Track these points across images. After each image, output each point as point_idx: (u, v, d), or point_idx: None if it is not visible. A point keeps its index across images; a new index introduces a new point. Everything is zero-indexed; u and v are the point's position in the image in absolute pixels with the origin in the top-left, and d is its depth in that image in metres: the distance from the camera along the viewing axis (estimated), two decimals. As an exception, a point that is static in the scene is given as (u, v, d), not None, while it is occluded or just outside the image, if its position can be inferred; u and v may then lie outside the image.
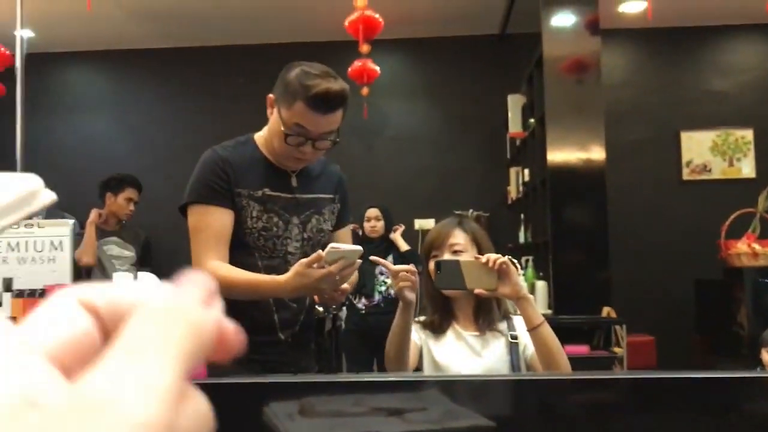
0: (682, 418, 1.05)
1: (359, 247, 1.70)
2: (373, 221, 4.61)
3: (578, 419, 1.09)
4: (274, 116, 1.82)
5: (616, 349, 3.95)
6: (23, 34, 5.61)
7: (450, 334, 1.81)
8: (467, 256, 1.75)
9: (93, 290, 0.28)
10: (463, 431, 1.10)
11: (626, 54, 6.05)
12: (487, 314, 1.79)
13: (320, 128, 1.76)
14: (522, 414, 1.13)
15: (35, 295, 1.09)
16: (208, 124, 6.21)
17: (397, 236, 4.68)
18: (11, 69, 5.27)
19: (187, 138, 6.30)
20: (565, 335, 3.77)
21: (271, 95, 1.84)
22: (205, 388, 0.80)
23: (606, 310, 3.97)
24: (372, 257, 1.79)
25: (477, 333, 1.79)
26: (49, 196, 0.34)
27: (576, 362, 3.72)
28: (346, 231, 2.06)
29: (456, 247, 1.78)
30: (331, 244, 1.67)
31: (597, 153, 4.15)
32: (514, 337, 1.76)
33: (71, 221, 1.11)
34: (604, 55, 4.42)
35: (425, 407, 1.17)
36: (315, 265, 1.63)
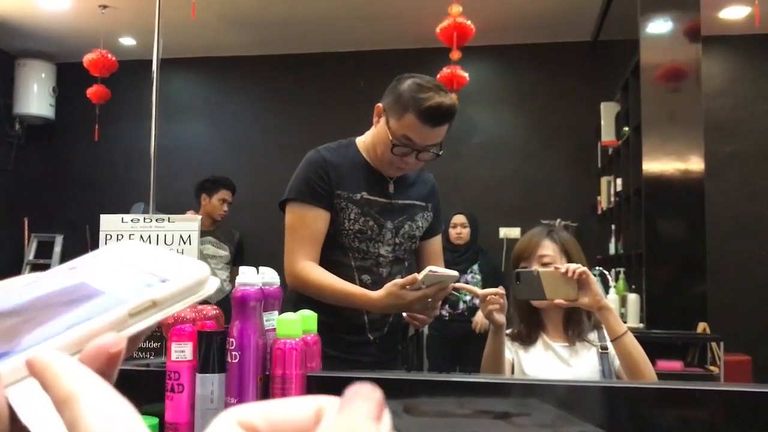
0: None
1: (456, 273, 1.71)
2: (459, 228, 4.58)
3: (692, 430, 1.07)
4: (381, 125, 1.85)
5: (712, 368, 3.80)
6: (128, 41, 5.87)
7: (539, 344, 1.79)
8: (539, 268, 1.73)
9: (253, 411, 0.28)
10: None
11: (727, 61, 5.82)
12: (576, 325, 1.77)
13: (427, 141, 1.80)
14: (632, 422, 1.11)
15: (164, 285, 1.14)
16: (298, 129, 6.36)
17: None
18: (116, 74, 5.58)
19: (277, 142, 6.47)
20: (658, 350, 3.70)
21: (379, 104, 1.87)
22: (321, 380, 0.83)
23: (701, 326, 3.83)
24: (457, 284, 1.79)
25: (566, 343, 1.77)
26: (214, 285, 0.36)
27: (669, 379, 3.62)
28: (436, 239, 2.08)
29: (545, 259, 1.76)
30: (429, 268, 1.68)
31: (695, 163, 4.01)
32: (605, 348, 1.73)
33: (199, 217, 1.16)
34: (704, 63, 4.28)
35: (529, 413, 1.17)
36: (408, 287, 1.66)
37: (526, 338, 1.80)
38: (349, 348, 1.86)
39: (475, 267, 4.57)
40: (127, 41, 6.20)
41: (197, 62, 6.74)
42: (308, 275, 1.82)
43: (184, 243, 1.16)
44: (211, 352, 1.04)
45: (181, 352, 1.04)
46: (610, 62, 5.57)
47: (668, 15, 4.19)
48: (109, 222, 1.18)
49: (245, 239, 5.98)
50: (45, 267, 6.40)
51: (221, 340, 1.04)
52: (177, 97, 6.86)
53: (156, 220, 1.16)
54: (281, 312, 1.16)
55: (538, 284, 1.62)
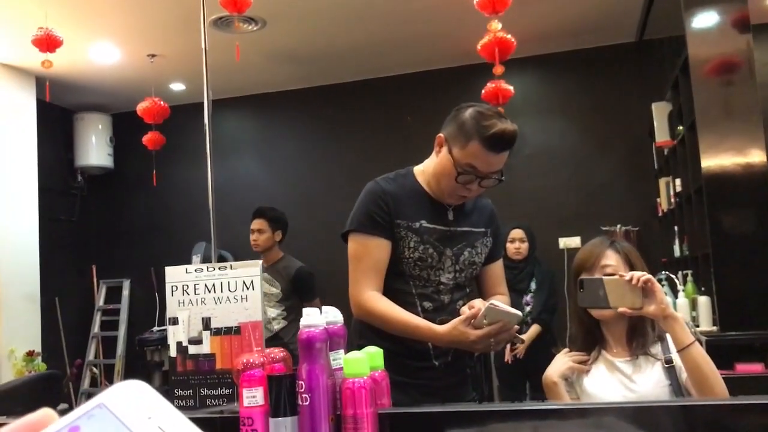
0: None
1: (519, 313, 1.72)
2: (518, 242, 4.54)
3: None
4: (443, 155, 1.87)
5: (795, 367, 3.64)
6: (179, 87, 6.06)
7: (600, 361, 1.74)
8: (603, 276, 1.69)
9: None
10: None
11: (780, 49, 5.64)
12: (641, 336, 1.71)
13: (491, 167, 1.82)
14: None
15: (231, 332, 1.17)
16: (349, 159, 6.41)
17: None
18: (169, 119, 5.75)
19: (328, 173, 6.53)
20: (736, 353, 3.57)
21: (441, 134, 1.89)
22: (392, 417, 0.83)
23: (780, 325, 3.68)
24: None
25: (629, 358, 1.70)
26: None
27: (750, 382, 3.51)
28: (497, 264, 2.08)
29: (608, 269, 1.72)
30: (492, 301, 1.70)
31: (757, 156, 3.89)
32: (669, 361, 1.66)
33: (260, 262, 1.18)
34: (757, 52, 4.15)
35: (608, 434, 1.14)
36: (472, 323, 1.69)
37: (586, 353, 1.75)
38: (414, 373, 1.87)
39: (533, 285, 4.51)
40: (177, 87, 6.39)
41: (244, 100, 6.88)
42: (374, 306, 1.84)
43: (247, 288, 1.18)
44: (282, 395, 1.05)
45: (253, 397, 1.06)
46: (658, 61, 5.47)
47: (714, 7, 4.09)
48: (173, 274, 1.21)
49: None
50: (115, 311, 6.57)
51: (290, 383, 1.05)
52: (227, 135, 7.02)
53: (219, 269, 1.18)
54: (348, 344, 1.17)
55: (602, 292, 1.59)
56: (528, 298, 4.45)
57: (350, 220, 1.92)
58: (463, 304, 1.92)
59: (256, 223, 4.18)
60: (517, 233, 4.56)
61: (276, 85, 6.64)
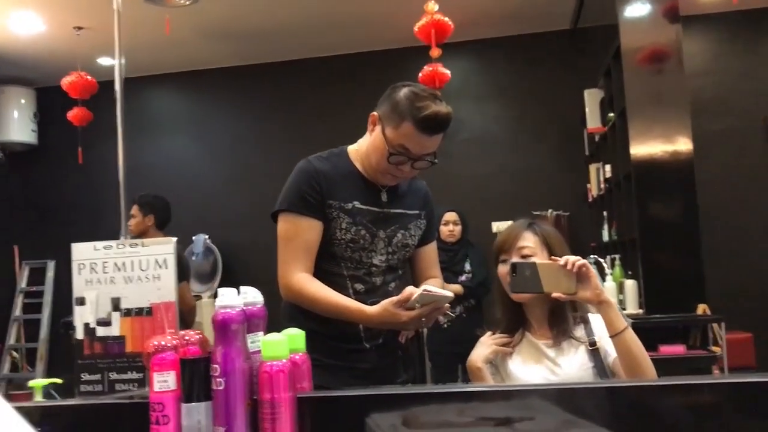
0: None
1: (450, 294, 1.70)
2: (452, 225, 4.57)
3: (701, 427, 1.03)
4: (376, 134, 1.82)
5: (715, 348, 3.77)
6: (107, 61, 5.84)
7: (524, 343, 1.73)
8: (537, 260, 1.69)
9: None
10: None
11: (708, 40, 5.80)
12: (562, 321, 1.70)
13: (423, 149, 1.79)
14: (638, 421, 1.07)
15: (142, 313, 1.11)
16: (284, 138, 6.32)
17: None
18: (96, 95, 5.52)
19: (263, 152, 6.43)
20: (660, 335, 3.67)
21: (374, 113, 1.84)
22: (312, 401, 0.78)
23: (701, 308, 3.80)
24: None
25: (552, 341, 1.70)
26: None
27: (673, 363, 3.62)
28: (431, 246, 2.05)
29: (525, 251, 1.71)
30: (424, 287, 1.68)
31: (684, 144, 3.99)
32: (593, 343, 1.67)
33: (173, 239, 1.12)
34: (685, 43, 4.26)
35: (533, 416, 1.13)
36: (403, 306, 1.66)
37: (510, 336, 1.75)
38: (345, 356, 1.84)
39: (467, 266, 4.56)
40: (105, 61, 6.14)
41: (176, 77, 6.69)
42: (303, 288, 1.79)
43: (160, 267, 1.11)
44: (195, 380, 1.00)
45: (164, 381, 1.00)
46: (591, 49, 5.55)
47: (646, -3, 4.17)
48: (80, 251, 1.14)
49: (231, 253, 5.95)
50: (38, 294, 6.32)
51: (205, 366, 1.00)
52: (158, 113, 6.82)
53: (129, 246, 1.11)
54: (280, 327, 1.12)
55: (535, 277, 1.56)
56: (463, 278, 4.49)
57: (280, 200, 1.86)
58: (396, 286, 1.89)
59: (132, 210, 4.17)
60: (450, 216, 4.59)
61: (209, 62, 6.47)
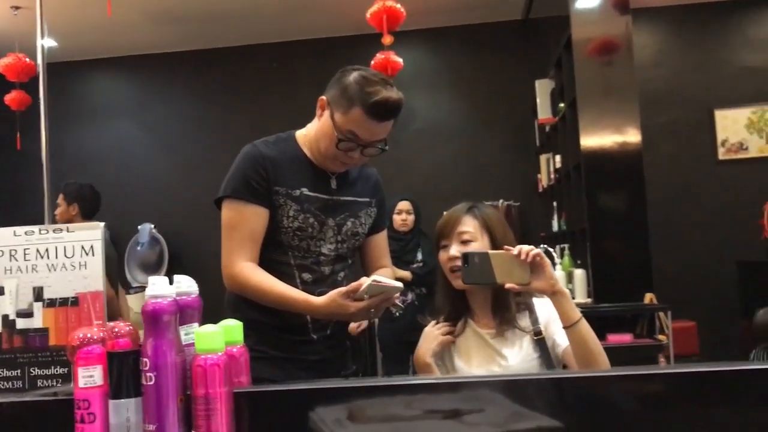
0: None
1: (400, 285, 1.65)
2: (405, 214, 4.55)
3: (650, 416, 1.01)
4: (325, 119, 1.76)
5: (661, 337, 3.83)
6: (45, 43, 5.60)
7: (468, 333, 1.70)
8: (477, 245, 1.64)
9: None
10: (530, 434, 1.02)
11: (657, 33, 5.88)
12: (505, 310, 1.67)
13: (373, 136, 1.73)
14: (588, 412, 1.05)
15: (67, 303, 1.03)
16: (232, 124, 6.19)
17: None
18: (36, 78, 5.31)
19: (210, 138, 6.30)
20: (608, 324, 3.71)
21: (323, 97, 1.78)
22: (249, 397, 0.72)
23: (648, 297, 3.86)
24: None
25: (495, 330, 1.67)
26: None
27: (620, 352, 3.66)
28: (381, 235, 2.00)
29: (465, 236, 1.67)
30: (374, 277, 1.62)
31: (632, 135, 4.04)
32: (538, 332, 1.64)
33: (101, 224, 1.04)
34: (635, 35, 4.30)
35: (482, 408, 1.10)
36: (351, 297, 1.62)
37: (453, 326, 1.71)
38: (292, 347, 1.78)
39: (419, 255, 4.54)
40: (47, 42, 5.91)
41: (121, 61, 6.50)
42: (248, 278, 1.72)
43: (87, 254, 1.04)
44: (124, 374, 0.93)
45: (90, 377, 0.93)
46: (542, 40, 5.57)
47: (597, -11, 4.19)
48: (0, 237, 1.06)
49: (179, 241, 5.80)
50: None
51: (134, 360, 0.93)
52: (102, 97, 6.61)
53: (54, 231, 1.03)
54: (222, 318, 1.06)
55: (488, 267, 1.51)
56: (414, 267, 4.48)
57: (224, 186, 1.78)
58: (345, 276, 1.84)
59: (57, 198, 4.07)
60: (404, 205, 4.56)
61: (156, 47, 6.29)
